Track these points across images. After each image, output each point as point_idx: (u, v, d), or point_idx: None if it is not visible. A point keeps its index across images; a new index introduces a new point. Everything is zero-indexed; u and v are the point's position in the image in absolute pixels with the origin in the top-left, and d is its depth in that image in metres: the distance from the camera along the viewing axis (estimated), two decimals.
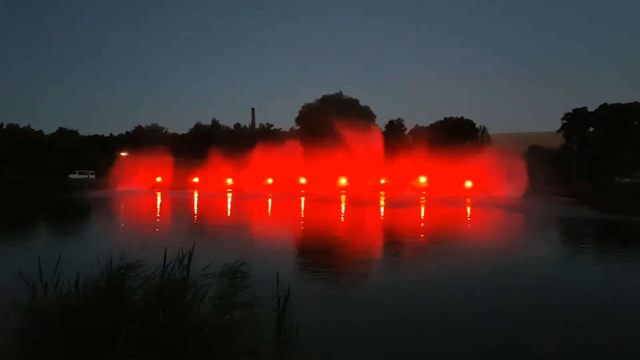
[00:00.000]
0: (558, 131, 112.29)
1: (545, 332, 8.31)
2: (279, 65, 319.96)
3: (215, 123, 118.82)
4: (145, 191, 61.63)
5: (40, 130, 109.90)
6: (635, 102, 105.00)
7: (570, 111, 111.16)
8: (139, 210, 36.92)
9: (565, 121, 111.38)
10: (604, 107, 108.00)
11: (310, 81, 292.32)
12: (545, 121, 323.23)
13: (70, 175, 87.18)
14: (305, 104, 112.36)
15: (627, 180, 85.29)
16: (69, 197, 49.80)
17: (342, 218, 31.59)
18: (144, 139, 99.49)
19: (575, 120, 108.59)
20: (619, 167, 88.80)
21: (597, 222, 30.82)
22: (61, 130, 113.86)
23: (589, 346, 7.76)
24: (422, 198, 53.86)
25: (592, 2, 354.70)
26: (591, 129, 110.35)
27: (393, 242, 19.89)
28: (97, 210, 37.02)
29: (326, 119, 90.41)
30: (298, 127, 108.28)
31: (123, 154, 79.02)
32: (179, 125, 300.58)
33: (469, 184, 67.69)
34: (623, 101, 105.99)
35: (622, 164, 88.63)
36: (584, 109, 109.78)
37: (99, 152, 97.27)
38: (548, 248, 19.23)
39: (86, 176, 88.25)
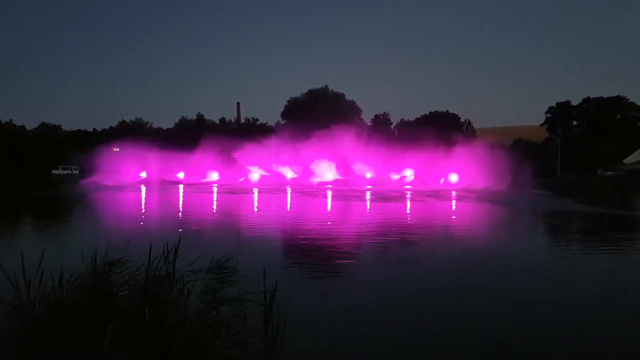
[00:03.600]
0: (542, 125, 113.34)
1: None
2: (265, 59, 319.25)
3: (200, 117, 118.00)
4: (130, 186, 61.20)
5: (23, 126, 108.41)
6: (618, 95, 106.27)
7: (554, 105, 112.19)
8: (124, 206, 36.61)
9: (549, 115, 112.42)
10: (587, 100, 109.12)
11: (296, 75, 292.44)
12: (529, 115, 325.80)
13: (54, 171, 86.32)
14: (291, 98, 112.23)
15: (610, 173, 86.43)
16: (51, 192, 49.34)
17: (327, 212, 31.57)
18: (129, 134, 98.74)
19: (559, 113, 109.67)
20: (602, 160, 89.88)
21: (581, 215, 31.11)
22: (44, 125, 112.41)
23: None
24: (408, 192, 54.11)
25: None
26: (574, 123, 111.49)
27: (378, 237, 19.89)
28: (81, 206, 36.68)
29: (312, 113, 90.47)
30: (284, 121, 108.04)
31: (116, 149, 78.25)
32: (164, 119, 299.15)
33: (454, 177, 68.16)
34: (605, 95, 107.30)
35: (605, 157, 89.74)
36: (568, 102, 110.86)
37: (83, 147, 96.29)
38: (528, 241, 19.46)
39: (69, 172, 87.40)
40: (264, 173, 74.36)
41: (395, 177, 70.42)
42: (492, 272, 12.42)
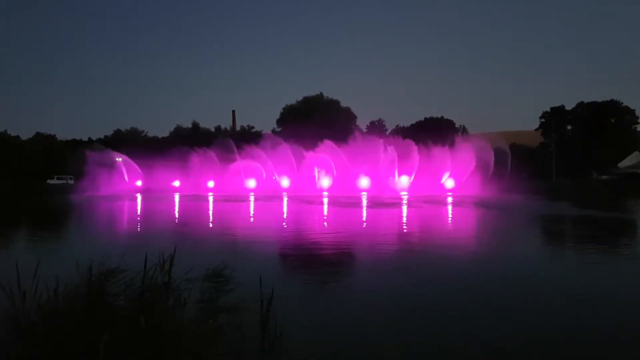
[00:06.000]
0: (536, 129, 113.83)
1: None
2: (260, 66, 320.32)
3: (195, 125, 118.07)
4: (125, 196, 61.05)
5: (18, 136, 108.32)
6: (612, 99, 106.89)
7: (548, 110, 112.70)
8: (119, 215, 36.50)
9: (543, 119, 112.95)
10: (581, 105, 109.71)
11: (291, 83, 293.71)
12: (523, 120, 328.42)
13: (49, 181, 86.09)
14: (286, 105, 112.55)
15: (605, 177, 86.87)
16: (46, 202, 49.22)
17: (324, 220, 31.52)
18: (123, 143, 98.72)
19: (553, 118, 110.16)
20: (596, 164, 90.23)
21: (582, 220, 31.21)
22: (39, 134, 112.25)
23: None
24: (404, 198, 54.15)
25: (569, 3, 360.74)
26: (569, 127, 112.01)
27: (375, 245, 19.88)
28: (76, 216, 36.58)
29: (307, 120, 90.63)
30: (279, 129, 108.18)
31: (118, 159, 78.12)
32: (159, 128, 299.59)
33: (449, 183, 68.28)
34: (599, 99, 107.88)
35: (600, 161, 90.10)
36: (562, 107, 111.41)
37: (78, 156, 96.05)
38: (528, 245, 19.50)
39: (65, 181, 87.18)
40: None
41: (398, 182, 70.52)
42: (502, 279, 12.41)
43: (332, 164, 71.76)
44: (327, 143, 72.79)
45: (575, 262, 15.35)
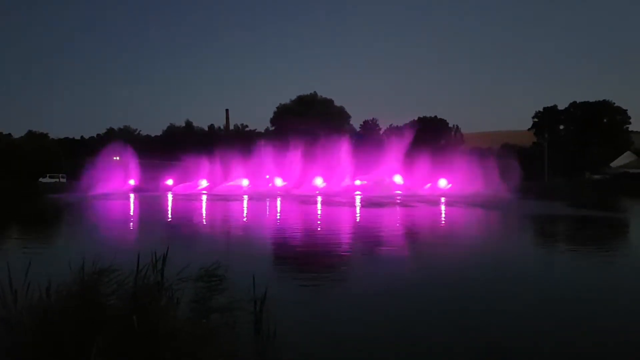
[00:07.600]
0: (529, 129, 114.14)
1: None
2: (254, 66, 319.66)
3: (188, 124, 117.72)
4: (118, 194, 60.73)
5: (9, 134, 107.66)
6: (604, 100, 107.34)
7: (541, 109, 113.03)
8: (112, 215, 36.33)
9: (536, 119, 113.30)
10: (573, 105, 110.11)
11: (285, 82, 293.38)
12: (516, 120, 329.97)
13: (41, 179, 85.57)
14: (280, 104, 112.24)
15: (597, 176, 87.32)
16: (39, 201, 48.93)
17: (317, 220, 31.50)
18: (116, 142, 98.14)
19: (546, 118, 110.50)
20: (589, 164, 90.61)
21: (577, 219, 31.34)
22: (31, 133, 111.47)
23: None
24: (398, 198, 54.20)
25: (561, 2, 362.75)
26: (561, 127, 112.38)
27: (365, 245, 19.88)
28: (68, 216, 36.35)
29: (301, 120, 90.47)
30: (273, 128, 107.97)
31: (116, 157, 77.61)
32: (152, 126, 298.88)
33: (443, 182, 68.27)
34: (592, 99, 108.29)
35: (592, 160, 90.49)
36: (554, 107, 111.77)
37: (71, 155, 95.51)
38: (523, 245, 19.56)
39: (57, 180, 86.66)
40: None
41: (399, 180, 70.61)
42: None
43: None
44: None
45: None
